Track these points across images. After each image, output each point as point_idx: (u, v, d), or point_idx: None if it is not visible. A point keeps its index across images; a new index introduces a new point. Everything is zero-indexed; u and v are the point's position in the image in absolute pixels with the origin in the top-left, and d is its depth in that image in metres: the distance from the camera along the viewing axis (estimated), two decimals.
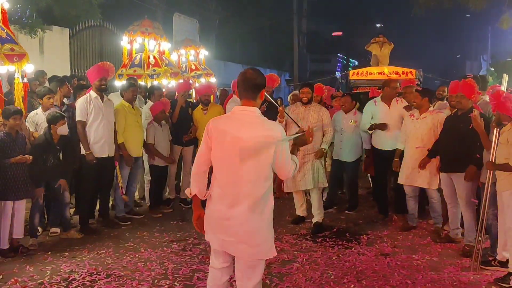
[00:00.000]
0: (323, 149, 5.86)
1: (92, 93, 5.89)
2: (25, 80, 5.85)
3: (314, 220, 5.94)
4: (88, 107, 5.78)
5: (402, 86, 6.77)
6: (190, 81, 9.77)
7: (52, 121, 5.35)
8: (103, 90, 5.98)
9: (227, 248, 2.92)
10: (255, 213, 2.81)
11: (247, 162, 2.79)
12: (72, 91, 6.70)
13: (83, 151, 5.79)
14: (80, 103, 5.84)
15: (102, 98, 5.92)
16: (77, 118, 5.79)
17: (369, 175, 7.56)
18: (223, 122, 2.91)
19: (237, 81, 2.94)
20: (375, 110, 6.40)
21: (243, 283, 2.92)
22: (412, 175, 5.69)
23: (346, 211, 6.86)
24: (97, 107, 5.82)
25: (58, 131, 5.31)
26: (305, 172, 5.83)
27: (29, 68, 5.84)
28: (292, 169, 2.95)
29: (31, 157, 5.02)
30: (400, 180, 5.83)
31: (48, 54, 11.33)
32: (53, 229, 5.68)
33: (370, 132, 6.45)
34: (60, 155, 5.46)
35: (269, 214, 2.89)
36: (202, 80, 10.54)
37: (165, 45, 9.08)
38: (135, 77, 8.14)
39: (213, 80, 10.69)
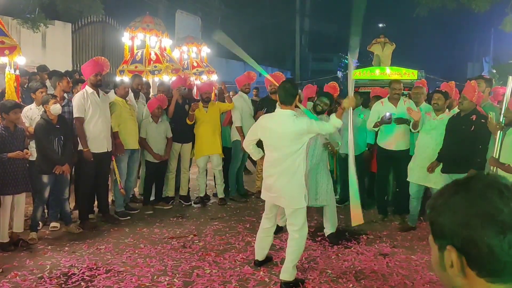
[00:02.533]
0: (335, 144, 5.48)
1: (88, 89, 5.85)
2: (17, 72, 5.84)
3: (328, 231, 5.52)
4: (86, 103, 5.76)
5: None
6: (192, 78, 9.79)
7: (44, 102, 5.35)
8: (99, 85, 5.98)
9: (273, 200, 4.34)
10: (288, 177, 4.12)
11: (282, 147, 4.10)
12: (71, 86, 6.69)
13: (80, 147, 5.80)
14: (77, 99, 5.81)
15: (98, 94, 5.91)
16: (75, 114, 5.76)
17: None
18: (267, 120, 4.31)
19: (277, 91, 4.32)
20: (382, 110, 6.41)
21: (291, 225, 4.25)
22: (424, 175, 5.64)
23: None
24: (94, 103, 5.81)
25: (51, 110, 5.29)
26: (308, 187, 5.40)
27: (21, 60, 5.82)
28: (331, 128, 4.21)
29: (29, 152, 5.04)
30: (411, 179, 5.80)
31: (50, 48, 11.34)
32: (53, 224, 5.71)
33: (376, 129, 6.44)
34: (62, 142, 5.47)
35: (299, 179, 4.15)
36: (204, 77, 10.55)
37: (166, 41, 9.09)
38: (136, 73, 8.14)
39: (215, 77, 10.70)
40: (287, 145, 4.08)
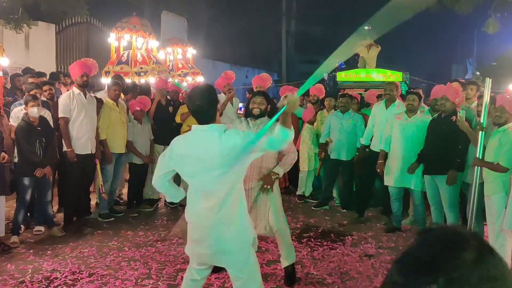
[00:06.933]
0: (274, 175, 4.01)
1: (75, 90, 5.85)
2: (1, 73, 5.78)
3: (283, 264, 4.30)
4: (71, 103, 5.74)
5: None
6: (177, 80, 9.74)
7: (25, 103, 5.30)
8: (85, 86, 5.94)
9: (207, 260, 3.00)
10: (227, 224, 2.82)
11: (211, 180, 2.77)
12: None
13: (65, 148, 5.74)
14: (63, 99, 5.81)
15: (85, 95, 5.88)
16: (60, 114, 5.75)
17: None
18: (181, 143, 2.90)
19: (187, 106, 3.00)
20: (376, 110, 6.52)
21: None
22: (401, 177, 5.71)
23: (344, 210, 6.96)
24: (80, 104, 5.79)
25: (29, 113, 5.23)
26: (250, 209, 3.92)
27: (4, 61, 5.76)
28: (281, 142, 2.68)
29: (6, 156, 4.95)
30: (387, 182, 5.85)
31: (33, 50, 11.20)
32: (37, 228, 5.61)
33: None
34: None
35: (243, 222, 2.89)
36: (189, 78, 10.51)
37: (153, 43, 9.04)
38: (122, 74, 8.08)
39: (200, 79, 10.66)
40: (217, 176, 2.76)
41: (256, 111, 4.05)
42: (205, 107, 2.81)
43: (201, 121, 2.84)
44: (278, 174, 4.04)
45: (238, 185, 2.87)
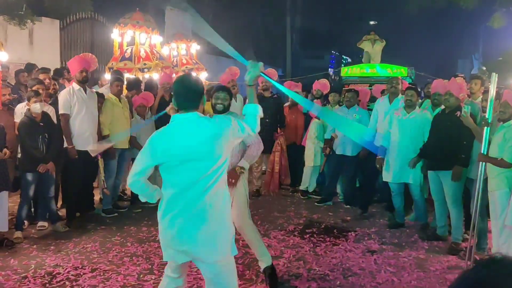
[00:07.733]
0: (239, 169, 3.96)
1: (75, 85, 5.83)
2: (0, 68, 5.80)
3: (262, 266, 4.16)
4: (72, 99, 5.73)
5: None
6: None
7: (27, 99, 5.32)
8: (85, 82, 5.93)
9: (184, 258, 2.81)
10: (209, 214, 2.67)
11: (197, 166, 2.65)
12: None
13: (66, 144, 5.74)
14: (63, 95, 5.79)
15: (85, 90, 5.86)
16: (60, 111, 5.73)
17: None
18: (162, 137, 2.74)
19: (173, 90, 2.88)
20: (379, 105, 6.49)
21: None
22: (400, 173, 5.70)
23: (347, 206, 6.93)
24: (80, 99, 5.78)
25: (31, 109, 5.24)
26: None
27: (3, 56, 5.77)
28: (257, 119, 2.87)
29: (8, 151, 4.96)
30: (386, 178, 5.83)
31: (37, 45, 11.19)
32: (41, 223, 5.64)
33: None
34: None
35: (228, 213, 2.78)
36: (193, 74, 10.50)
37: (156, 39, 9.01)
38: (125, 70, 8.08)
39: (204, 75, 10.64)
40: (205, 163, 2.65)
41: (219, 107, 3.87)
42: (190, 94, 2.74)
43: (185, 107, 2.72)
44: (243, 168, 3.96)
45: (222, 174, 2.73)
